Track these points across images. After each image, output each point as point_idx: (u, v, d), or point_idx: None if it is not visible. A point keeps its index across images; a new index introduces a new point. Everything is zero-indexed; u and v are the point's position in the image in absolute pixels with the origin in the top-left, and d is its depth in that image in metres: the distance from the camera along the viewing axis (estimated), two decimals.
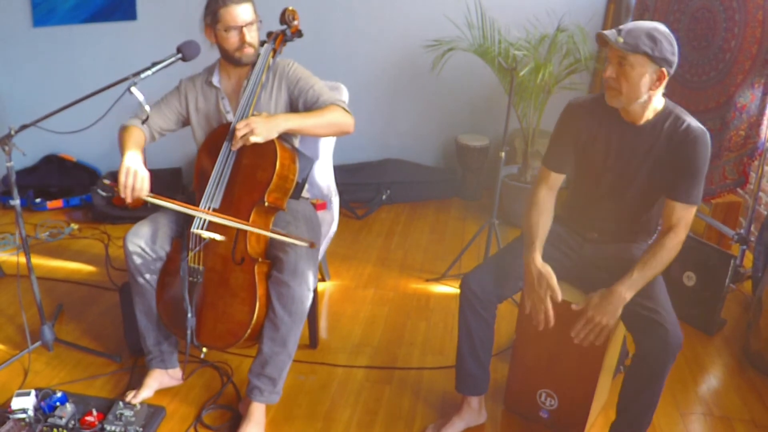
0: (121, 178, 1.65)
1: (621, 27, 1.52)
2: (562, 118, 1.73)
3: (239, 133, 1.69)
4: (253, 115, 1.76)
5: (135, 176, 1.65)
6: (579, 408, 1.76)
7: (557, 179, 1.76)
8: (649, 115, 1.58)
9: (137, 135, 1.84)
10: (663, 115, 1.58)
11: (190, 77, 1.98)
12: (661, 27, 1.51)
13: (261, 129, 1.69)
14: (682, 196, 1.57)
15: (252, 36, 1.82)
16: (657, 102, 1.58)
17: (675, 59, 1.51)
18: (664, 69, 1.50)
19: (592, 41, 3.25)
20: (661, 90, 1.55)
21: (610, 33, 1.52)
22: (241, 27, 1.79)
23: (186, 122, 1.99)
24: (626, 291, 1.53)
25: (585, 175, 1.74)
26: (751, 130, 2.34)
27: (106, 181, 1.75)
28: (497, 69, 3.00)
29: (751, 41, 2.31)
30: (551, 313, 1.62)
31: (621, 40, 1.49)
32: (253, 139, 1.69)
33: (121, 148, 1.79)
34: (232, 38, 1.80)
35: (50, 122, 1.83)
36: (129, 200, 1.65)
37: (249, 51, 1.83)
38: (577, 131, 1.69)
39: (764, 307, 2.14)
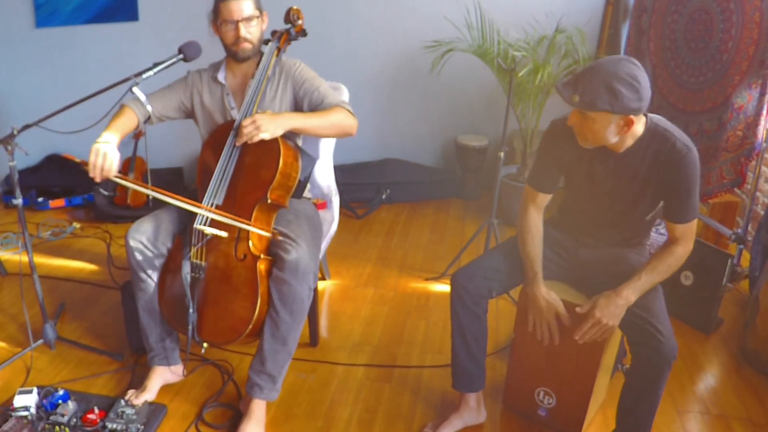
0: (91, 157, 1.67)
1: (579, 79, 1.42)
2: (545, 138, 1.70)
3: (245, 130, 1.70)
4: (257, 112, 1.77)
5: (105, 157, 1.68)
6: (577, 406, 1.77)
7: (544, 198, 1.74)
8: (629, 143, 1.54)
9: (127, 118, 1.86)
10: (645, 139, 1.53)
11: (197, 70, 2.00)
12: (624, 71, 1.39)
13: (267, 126, 1.71)
14: (680, 217, 1.56)
15: (249, 31, 1.83)
16: (636, 129, 1.52)
17: (643, 103, 1.42)
18: (630, 116, 1.43)
19: (590, 42, 3.28)
20: (637, 125, 1.49)
21: (565, 91, 1.44)
22: (237, 21, 1.80)
23: (188, 113, 2.01)
24: (632, 293, 1.54)
25: (575, 192, 1.74)
26: (748, 130, 2.35)
27: (77, 159, 1.77)
28: (496, 70, 3.01)
29: (748, 42, 2.33)
30: (557, 335, 1.69)
31: (576, 99, 1.42)
32: (261, 136, 1.70)
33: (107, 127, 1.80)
34: (228, 32, 1.83)
35: (52, 122, 1.85)
36: (97, 179, 1.68)
37: (245, 46, 1.85)
38: (561, 152, 1.66)
39: (761, 307, 2.15)
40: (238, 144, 1.76)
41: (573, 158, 1.65)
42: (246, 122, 1.71)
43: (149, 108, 1.78)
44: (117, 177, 1.70)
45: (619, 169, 1.59)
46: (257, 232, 1.74)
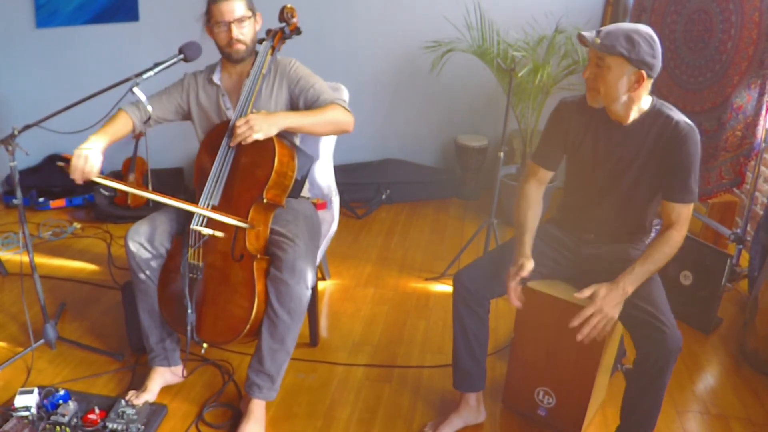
0: (73, 160, 1.71)
1: (602, 28, 1.53)
2: (553, 116, 1.75)
3: (239, 131, 1.71)
4: (252, 112, 1.77)
5: (86, 160, 1.70)
6: (576, 406, 1.77)
7: (546, 174, 1.79)
8: (634, 115, 1.59)
9: (121, 122, 1.89)
10: (650, 115, 1.59)
11: (193, 73, 2.01)
12: (643, 29, 1.50)
13: (261, 126, 1.71)
14: (678, 196, 1.59)
15: (242, 32, 1.84)
16: (643, 102, 1.58)
17: (656, 62, 1.50)
18: (643, 71, 1.49)
19: None
20: (644, 91, 1.55)
21: (588, 33, 1.53)
22: (229, 23, 1.81)
23: (186, 116, 2.01)
24: (629, 284, 1.55)
25: (577, 175, 1.76)
26: (747, 130, 2.35)
27: (60, 163, 1.81)
28: (496, 70, 3.01)
29: (747, 42, 2.33)
30: (515, 292, 1.63)
31: (598, 41, 1.50)
32: (254, 136, 1.70)
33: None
34: (221, 34, 1.84)
35: (53, 122, 1.85)
36: (78, 181, 1.72)
37: (239, 47, 1.85)
38: (566, 130, 1.71)
39: (760, 306, 2.16)
40: (232, 145, 1.77)
41: (578, 134, 1.69)
42: (240, 123, 1.71)
43: (149, 108, 1.78)
44: (98, 178, 1.72)
45: (623, 146, 1.62)
46: (255, 230, 1.75)
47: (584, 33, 1.54)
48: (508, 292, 1.64)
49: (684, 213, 1.59)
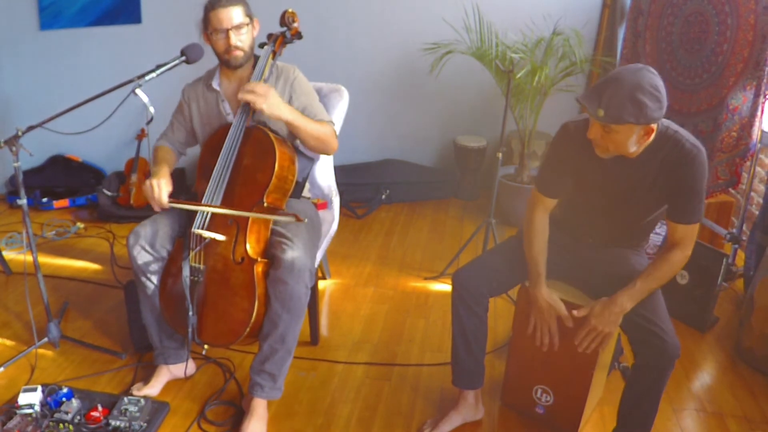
0: (146, 191, 1.79)
1: (602, 91, 1.42)
2: (556, 142, 1.67)
3: (258, 89, 1.73)
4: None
5: (154, 187, 1.78)
6: (574, 404, 1.79)
7: (551, 202, 1.73)
8: (640, 148, 1.53)
9: (163, 152, 2.01)
10: (657, 141, 1.52)
11: (191, 83, 2.03)
12: (647, 80, 1.41)
13: (272, 101, 1.75)
14: (684, 218, 1.56)
15: (240, 39, 1.85)
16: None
17: (663, 111, 1.44)
18: (651, 125, 1.44)
19: (587, 44, 3.30)
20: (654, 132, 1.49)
21: (590, 104, 1.43)
22: (227, 30, 1.82)
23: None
24: (627, 301, 1.55)
25: (580, 195, 1.72)
26: (743, 131, 2.37)
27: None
28: (494, 71, 3.04)
29: (743, 44, 2.36)
30: (557, 339, 1.70)
31: (602, 113, 1.41)
32: (261, 105, 1.74)
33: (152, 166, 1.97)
34: (219, 41, 1.84)
35: (56, 123, 1.87)
36: (156, 209, 1.80)
37: (237, 54, 1.86)
38: (571, 157, 1.64)
39: (756, 305, 2.18)
40: (239, 97, 1.77)
41: (585, 163, 1.62)
42: (261, 85, 1.74)
43: (152, 110, 1.80)
44: (171, 202, 1.79)
45: (631, 172, 1.58)
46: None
47: (585, 102, 1.44)
48: (551, 338, 1.70)
49: (689, 233, 1.57)
